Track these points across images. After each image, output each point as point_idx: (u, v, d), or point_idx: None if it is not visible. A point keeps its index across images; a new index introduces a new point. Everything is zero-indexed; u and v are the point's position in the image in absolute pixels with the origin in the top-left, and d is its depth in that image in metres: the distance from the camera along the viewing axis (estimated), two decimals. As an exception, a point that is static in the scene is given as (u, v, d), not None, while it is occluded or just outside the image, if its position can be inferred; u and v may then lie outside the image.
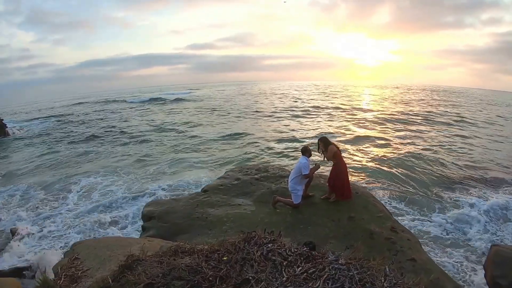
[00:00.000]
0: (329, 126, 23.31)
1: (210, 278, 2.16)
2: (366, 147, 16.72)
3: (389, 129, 21.85)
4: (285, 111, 31.31)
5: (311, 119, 26.54)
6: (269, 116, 28.62)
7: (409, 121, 25.19)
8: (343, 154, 5.99)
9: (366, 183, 11.14)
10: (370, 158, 14.70)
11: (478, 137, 19.99)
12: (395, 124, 23.93)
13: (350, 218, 5.12)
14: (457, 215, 8.86)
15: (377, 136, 19.44)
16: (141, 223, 6.77)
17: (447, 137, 19.69)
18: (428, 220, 8.62)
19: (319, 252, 2.43)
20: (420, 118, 26.70)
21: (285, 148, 16.70)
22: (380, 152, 15.63)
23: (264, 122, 25.49)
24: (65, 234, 8.45)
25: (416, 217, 8.83)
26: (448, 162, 14.01)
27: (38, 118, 35.38)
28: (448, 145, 17.43)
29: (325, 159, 5.80)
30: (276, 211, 5.62)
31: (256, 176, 7.03)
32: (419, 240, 5.61)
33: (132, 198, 10.57)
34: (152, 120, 28.99)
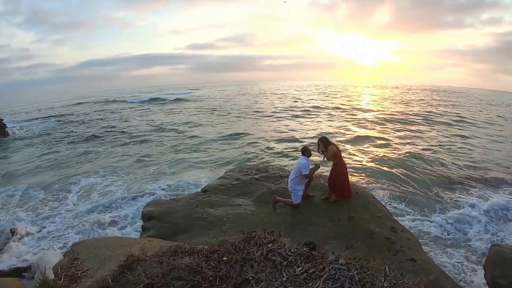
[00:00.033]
0: (329, 126, 23.30)
1: (210, 278, 2.16)
2: (366, 147, 16.71)
3: (389, 129, 21.83)
4: (285, 111, 31.31)
5: (311, 119, 26.53)
6: (269, 116, 28.62)
7: (409, 121, 25.19)
8: (343, 154, 5.99)
9: (366, 183, 11.13)
10: (370, 158, 14.69)
11: (478, 137, 19.98)
12: (395, 124, 23.92)
13: (350, 218, 5.12)
14: (458, 215, 8.84)
15: (377, 136, 19.43)
16: (140, 223, 6.76)
17: (447, 137, 19.67)
18: (429, 221, 8.60)
19: (319, 252, 2.43)
20: (420, 118, 26.69)
21: (285, 148, 16.68)
22: (380, 152, 15.62)
23: (264, 122, 25.48)
24: (64, 234, 8.43)
25: (417, 217, 8.81)
26: (448, 162, 14.00)
27: (38, 118, 35.36)
28: (448, 145, 17.42)
29: (325, 159, 5.80)
30: (276, 211, 5.62)
31: (256, 176, 7.03)
32: (420, 240, 5.60)
33: (131, 198, 10.56)
34: (152, 120, 28.97)
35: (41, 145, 20.74)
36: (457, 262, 6.76)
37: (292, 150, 16.04)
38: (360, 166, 13.35)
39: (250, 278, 2.11)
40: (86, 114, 36.56)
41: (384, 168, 12.90)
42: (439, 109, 34.35)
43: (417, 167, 13.12)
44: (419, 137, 19.39)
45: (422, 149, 16.03)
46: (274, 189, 6.32)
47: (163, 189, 11.17)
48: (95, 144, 19.97)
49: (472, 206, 9.40)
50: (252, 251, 2.41)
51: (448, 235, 7.98)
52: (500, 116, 31.64)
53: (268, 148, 16.93)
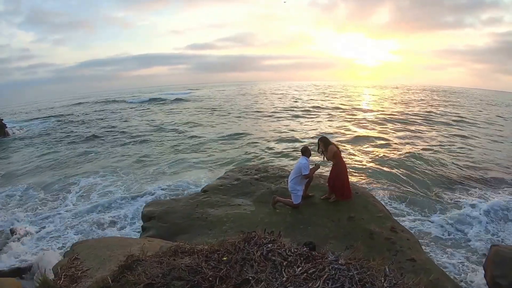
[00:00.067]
0: (329, 126, 23.30)
1: (210, 278, 2.16)
2: (366, 147, 16.71)
3: (389, 129, 21.84)
4: (285, 111, 31.31)
5: (311, 119, 26.53)
6: (269, 116, 28.61)
7: (409, 121, 25.19)
8: (343, 154, 5.99)
9: (366, 183, 11.12)
10: (370, 158, 14.69)
11: (478, 137, 19.99)
12: (395, 124, 23.92)
13: (350, 218, 5.12)
14: (458, 215, 8.83)
15: (377, 136, 19.42)
16: (140, 223, 6.76)
17: (447, 137, 19.68)
18: (429, 221, 8.59)
19: (319, 252, 2.42)
20: (420, 118, 26.70)
21: (285, 148, 16.68)
22: (380, 152, 15.62)
23: (264, 122, 25.48)
24: (63, 235, 8.43)
25: (417, 217, 8.81)
26: (448, 162, 14.00)
27: (38, 118, 35.35)
28: (448, 145, 17.43)
29: (325, 159, 5.80)
30: (276, 211, 5.61)
31: (256, 176, 7.02)
32: (420, 240, 5.60)
33: (131, 199, 10.55)
34: (152, 120, 28.96)
35: (41, 145, 20.74)
36: (458, 263, 6.75)
37: (292, 150, 16.04)
38: (360, 166, 13.35)
39: (250, 278, 2.11)
40: (86, 114, 36.55)
41: (384, 168, 12.90)
42: (439, 109, 34.35)
43: (417, 167, 13.12)
44: (419, 137, 19.40)
45: (422, 149, 16.03)
46: (274, 189, 6.32)
47: (163, 189, 11.16)
48: (95, 144, 19.96)
49: (472, 206, 9.39)
50: (252, 251, 2.41)
51: (448, 235, 7.98)
52: (500, 116, 31.65)
53: (268, 148, 16.93)
